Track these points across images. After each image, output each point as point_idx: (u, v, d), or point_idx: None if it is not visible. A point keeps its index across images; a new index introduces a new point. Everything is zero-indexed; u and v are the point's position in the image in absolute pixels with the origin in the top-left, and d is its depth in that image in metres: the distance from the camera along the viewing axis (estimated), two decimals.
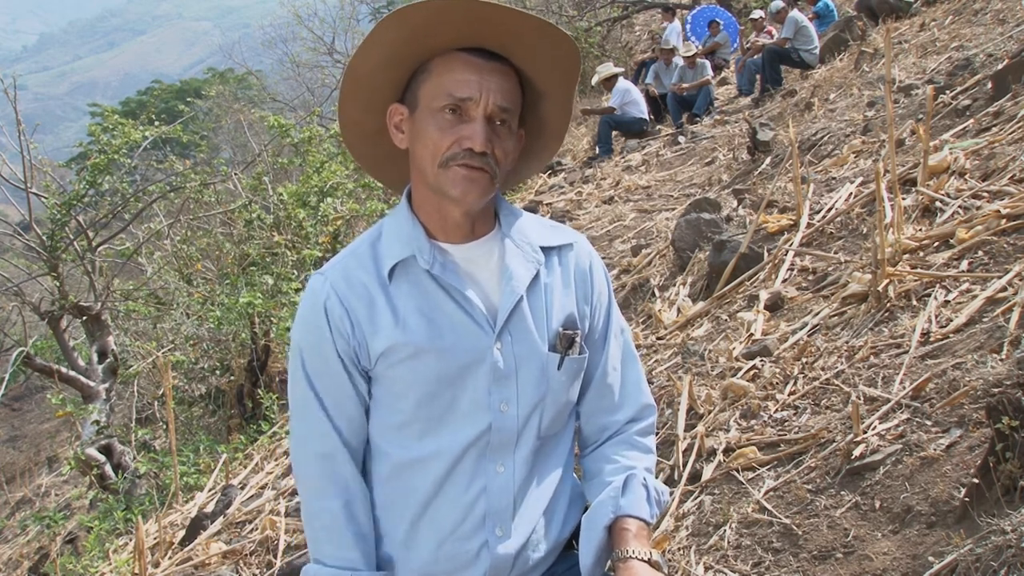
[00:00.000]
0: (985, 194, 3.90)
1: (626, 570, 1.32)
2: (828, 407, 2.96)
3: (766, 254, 4.52)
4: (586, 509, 1.44)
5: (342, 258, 1.40)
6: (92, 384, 8.43)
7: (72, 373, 8.48)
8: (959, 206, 3.90)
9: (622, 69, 12.02)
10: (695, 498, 2.86)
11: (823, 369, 3.19)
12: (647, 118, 10.84)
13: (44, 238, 8.71)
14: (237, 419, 8.04)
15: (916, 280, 3.41)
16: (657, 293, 5.15)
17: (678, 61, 11.26)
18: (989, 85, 5.23)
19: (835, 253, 4.19)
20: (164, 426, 7.82)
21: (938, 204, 4.02)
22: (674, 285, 5.04)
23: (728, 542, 2.55)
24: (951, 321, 3.04)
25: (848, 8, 11.40)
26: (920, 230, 3.87)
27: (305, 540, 1.71)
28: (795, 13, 10.12)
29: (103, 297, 8.89)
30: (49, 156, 10.50)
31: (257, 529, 3.99)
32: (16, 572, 8.23)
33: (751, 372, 3.45)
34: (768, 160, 6.46)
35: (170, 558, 4.03)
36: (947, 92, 5.58)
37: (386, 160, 1.47)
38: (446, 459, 1.35)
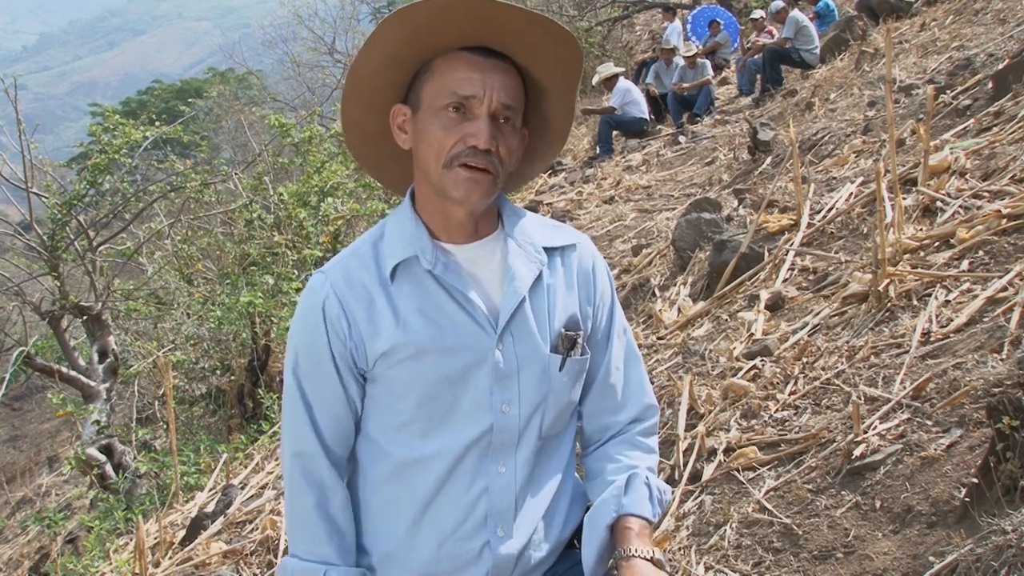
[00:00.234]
0: (986, 194, 3.90)
1: (628, 569, 1.32)
2: (828, 407, 2.96)
3: (766, 254, 4.52)
4: (588, 508, 1.44)
5: (344, 257, 1.40)
6: (93, 384, 8.43)
7: (72, 373, 8.48)
8: (960, 206, 3.90)
9: (623, 69, 12.03)
10: (696, 498, 2.86)
11: (823, 369, 3.19)
12: (647, 118, 10.84)
13: (45, 238, 8.71)
14: (237, 419, 8.04)
15: (917, 280, 3.41)
16: (657, 293, 5.15)
17: (679, 61, 11.26)
18: (990, 85, 5.23)
19: (835, 253, 4.19)
20: (164, 426, 7.82)
21: (939, 204, 4.02)
22: (674, 285, 5.04)
23: (728, 542, 2.55)
24: (952, 321, 3.04)
25: (848, 8, 11.40)
26: (921, 230, 3.87)
27: None
28: (796, 13, 10.12)
29: (104, 297, 8.89)
30: (49, 156, 10.50)
31: (257, 529, 3.99)
32: (16, 572, 8.23)
33: (751, 372, 3.45)
34: (768, 160, 6.46)
35: (170, 558, 4.03)
36: (948, 92, 5.58)
37: (388, 161, 1.47)
38: (447, 459, 1.35)
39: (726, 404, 3.31)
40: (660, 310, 4.73)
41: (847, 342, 3.28)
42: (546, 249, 1.42)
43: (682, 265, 5.16)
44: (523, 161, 1.44)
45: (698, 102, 10.69)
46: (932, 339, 2.99)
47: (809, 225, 4.55)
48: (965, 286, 3.25)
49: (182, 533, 4.38)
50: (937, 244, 3.67)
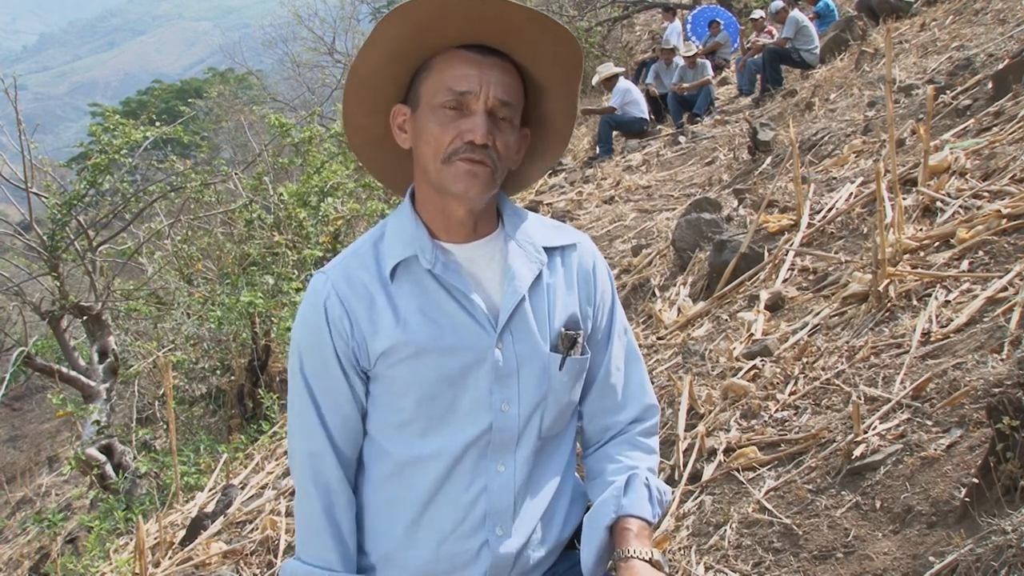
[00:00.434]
0: (986, 194, 3.90)
1: (627, 569, 1.32)
2: (828, 407, 2.96)
3: (766, 254, 4.52)
4: (588, 509, 1.44)
5: (344, 257, 1.40)
6: (93, 384, 8.43)
7: (72, 373, 8.48)
8: (960, 206, 3.90)
9: (622, 69, 12.03)
10: (695, 498, 2.86)
11: (823, 369, 3.19)
12: (647, 118, 10.84)
13: (44, 238, 8.71)
14: (237, 419, 8.04)
15: (916, 280, 3.41)
16: (657, 293, 5.15)
17: (678, 61, 11.26)
18: (990, 85, 5.23)
19: (835, 253, 4.19)
20: (164, 426, 7.82)
21: (938, 204, 4.02)
22: (674, 285, 5.04)
23: (728, 542, 2.55)
24: (951, 321, 3.04)
25: (848, 8, 11.40)
26: (920, 230, 3.87)
27: None
28: (796, 13, 10.12)
29: (103, 297, 8.89)
30: (49, 156, 10.49)
31: (257, 529, 3.99)
32: (16, 572, 8.23)
33: (751, 372, 3.45)
34: (768, 160, 6.46)
35: (170, 558, 4.03)
36: (947, 92, 5.58)
37: (391, 163, 1.47)
38: (447, 458, 1.35)
39: (726, 404, 3.31)
40: (660, 310, 4.73)
41: (847, 342, 3.28)
42: (546, 249, 1.42)
43: (682, 265, 5.16)
44: (525, 162, 1.44)
45: (698, 102, 10.70)
46: (932, 339, 2.99)
47: (809, 225, 4.55)
48: (965, 286, 3.25)
49: (182, 533, 4.38)
50: (937, 244, 3.67)
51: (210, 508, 4.51)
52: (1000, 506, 2.01)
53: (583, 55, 1.37)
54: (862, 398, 2.82)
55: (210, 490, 5.05)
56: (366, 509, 1.40)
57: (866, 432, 2.62)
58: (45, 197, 8.94)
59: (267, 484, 4.67)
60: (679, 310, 4.68)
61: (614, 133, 10.75)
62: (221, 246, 9.43)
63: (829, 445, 2.71)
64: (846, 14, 10.74)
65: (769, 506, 2.60)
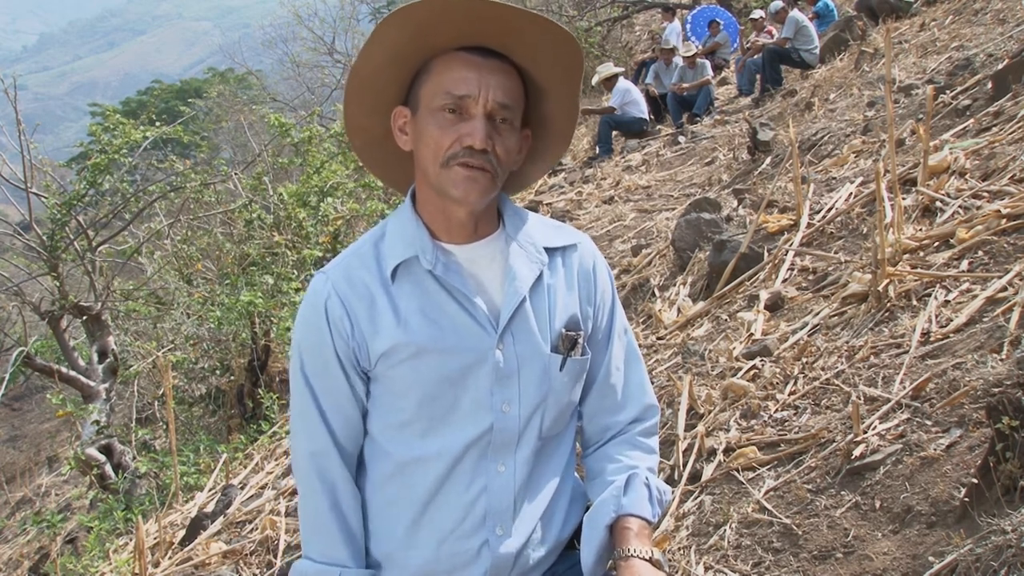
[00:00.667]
0: (985, 194, 3.90)
1: (627, 569, 1.32)
2: (828, 407, 2.96)
3: (766, 254, 4.52)
4: (588, 508, 1.44)
5: (345, 257, 1.40)
6: (92, 384, 8.43)
7: (72, 373, 8.47)
8: (959, 206, 3.90)
9: (622, 69, 12.02)
10: (695, 498, 2.86)
11: (823, 369, 3.19)
12: (647, 118, 10.84)
13: (44, 238, 8.70)
14: (237, 419, 8.04)
15: (916, 280, 3.41)
16: (657, 293, 5.15)
17: (678, 61, 11.26)
18: (989, 85, 5.23)
19: (835, 253, 4.19)
20: (164, 426, 7.82)
21: (938, 204, 4.02)
22: (674, 285, 5.04)
23: (728, 542, 2.55)
24: (951, 321, 3.05)
25: (848, 8, 11.40)
26: (920, 230, 3.87)
27: None
28: (795, 13, 10.12)
29: (103, 297, 8.88)
30: (49, 156, 10.48)
31: (257, 529, 3.99)
32: (16, 572, 8.23)
33: (751, 372, 3.46)
34: (768, 160, 6.46)
35: (170, 558, 4.03)
36: (947, 92, 5.59)
37: (392, 163, 1.47)
38: (447, 458, 1.35)
39: (726, 404, 3.31)
40: (660, 310, 4.73)
41: (847, 342, 3.28)
42: (547, 249, 1.42)
43: (682, 265, 5.16)
44: (526, 162, 1.44)
45: (698, 102, 10.70)
46: (932, 339, 2.99)
47: (809, 225, 4.55)
48: (965, 286, 3.25)
49: (182, 533, 4.38)
50: (937, 244, 3.67)
51: (210, 508, 4.51)
52: (1000, 506, 2.02)
53: (583, 55, 1.37)
54: (862, 398, 2.83)
55: (210, 490, 5.06)
56: (368, 510, 1.40)
57: (866, 432, 2.62)
58: (45, 197, 8.94)
59: (267, 484, 4.67)
60: (679, 310, 4.68)
61: (614, 133, 10.75)
62: (221, 246, 9.43)
63: (829, 445, 2.72)
64: (846, 14, 10.74)
65: (769, 506, 2.60)
